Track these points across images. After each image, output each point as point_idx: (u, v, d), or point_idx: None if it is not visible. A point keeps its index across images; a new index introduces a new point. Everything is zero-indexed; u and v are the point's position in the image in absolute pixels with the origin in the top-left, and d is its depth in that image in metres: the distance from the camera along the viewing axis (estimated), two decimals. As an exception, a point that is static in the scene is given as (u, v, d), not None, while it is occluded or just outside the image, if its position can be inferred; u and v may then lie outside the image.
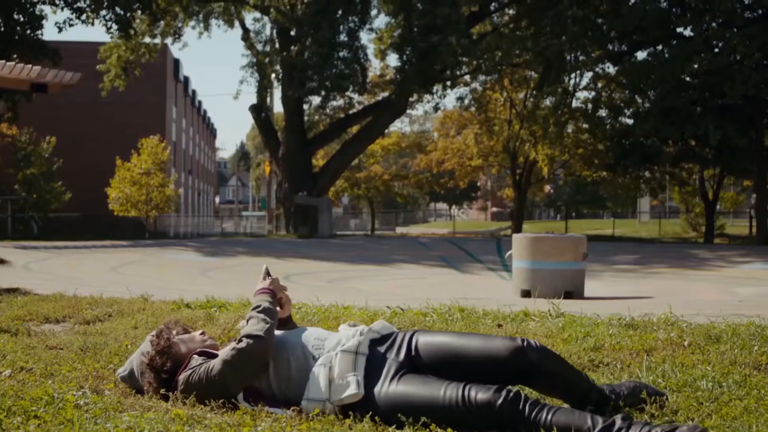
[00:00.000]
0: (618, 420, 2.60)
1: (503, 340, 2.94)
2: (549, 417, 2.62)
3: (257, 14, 28.90)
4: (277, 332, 3.18)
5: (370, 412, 2.80)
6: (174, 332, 3.32)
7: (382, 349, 3.01)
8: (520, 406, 2.65)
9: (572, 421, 2.60)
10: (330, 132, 30.63)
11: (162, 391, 3.13)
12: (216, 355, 3.15)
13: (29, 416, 2.68)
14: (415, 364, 2.95)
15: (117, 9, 23.75)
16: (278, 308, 3.29)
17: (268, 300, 3.22)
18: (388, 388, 2.86)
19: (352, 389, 2.88)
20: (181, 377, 3.11)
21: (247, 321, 3.12)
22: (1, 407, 2.74)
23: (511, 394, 2.68)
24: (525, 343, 2.88)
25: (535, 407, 2.65)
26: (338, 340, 3.05)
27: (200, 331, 3.40)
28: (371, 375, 2.92)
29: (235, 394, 2.98)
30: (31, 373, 3.46)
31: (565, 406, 2.91)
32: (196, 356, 3.17)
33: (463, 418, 2.69)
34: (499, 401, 2.65)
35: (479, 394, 2.68)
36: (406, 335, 3.06)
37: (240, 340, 3.02)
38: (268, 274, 3.39)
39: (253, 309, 3.16)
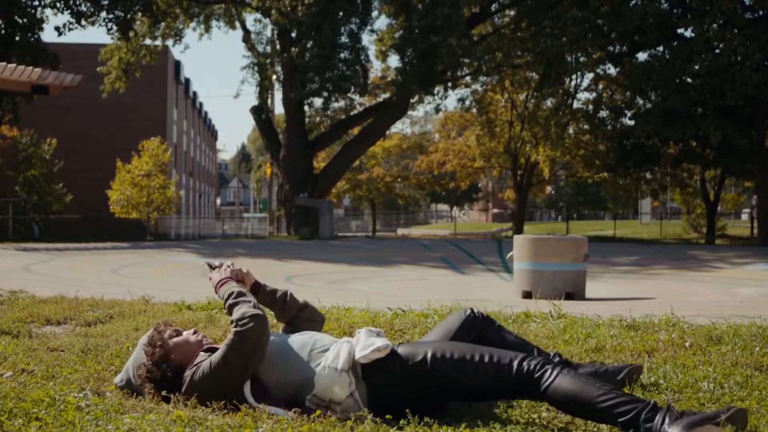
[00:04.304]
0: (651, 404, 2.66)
1: (455, 315, 3.38)
2: (559, 381, 2.76)
3: (258, 16, 28.88)
4: (280, 334, 3.18)
5: (391, 376, 2.91)
6: (166, 335, 3.20)
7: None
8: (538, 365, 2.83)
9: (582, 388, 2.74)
10: (331, 133, 30.61)
11: (163, 393, 3.11)
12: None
13: (30, 418, 2.68)
14: None
15: (117, 11, 23.76)
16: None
17: (234, 285, 3.20)
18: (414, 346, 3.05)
19: (380, 342, 2.94)
20: (187, 373, 3.08)
21: (230, 310, 3.05)
22: (2, 409, 2.74)
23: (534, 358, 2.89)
24: (469, 310, 3.38)
25: (556, 367, 2.80)
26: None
27: (192, 330, 3.29)
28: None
29: (241, 382, 2.94)
30: (32, 375, 3.46)
31: (581, 371, 3.11)
32: (202, 353, 3.14)
33: (489, 377, 2.85)
34: (522, 359, 2.85)
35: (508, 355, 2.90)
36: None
37: (237, 324, 2.96)
38: (211, 267, 3.36)
39: (228, 298, 3.11)
